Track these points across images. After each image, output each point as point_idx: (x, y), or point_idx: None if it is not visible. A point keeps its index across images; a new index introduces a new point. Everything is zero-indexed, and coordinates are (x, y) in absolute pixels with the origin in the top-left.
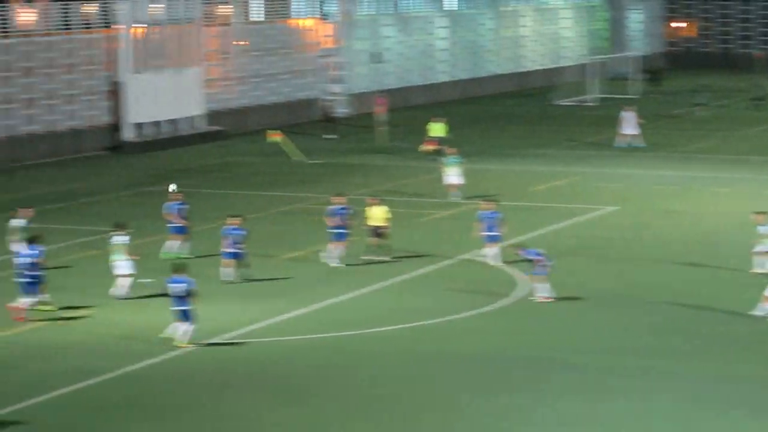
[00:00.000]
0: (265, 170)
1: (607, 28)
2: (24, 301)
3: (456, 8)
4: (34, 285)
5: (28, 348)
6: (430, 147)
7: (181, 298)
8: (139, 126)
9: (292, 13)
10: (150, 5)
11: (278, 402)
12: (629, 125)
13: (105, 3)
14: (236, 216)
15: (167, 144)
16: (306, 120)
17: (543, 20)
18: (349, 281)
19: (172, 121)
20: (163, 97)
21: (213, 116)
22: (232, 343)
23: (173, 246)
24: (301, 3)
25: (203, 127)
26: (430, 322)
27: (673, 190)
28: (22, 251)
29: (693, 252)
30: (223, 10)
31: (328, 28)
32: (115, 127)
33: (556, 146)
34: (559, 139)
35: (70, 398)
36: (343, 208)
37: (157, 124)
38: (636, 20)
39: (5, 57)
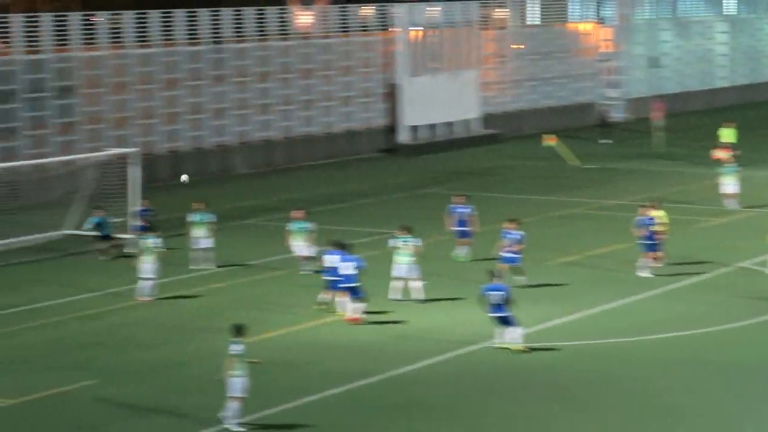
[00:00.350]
0: (539, 174)
1: None
2: (342, 302)
3: (736, 13)
4: (355, 291)
5: (310, 347)
6: (722, 153)
7: (499, 306)
8: (413, 128)
9: (570, 17)
10: (427, 8)
11: (553, 408)
12: None
13: (382, 6)
14: (513, 220)
15: (441, 147)
16: (581, 124)
17: None
18: (622, 287)
19: (447, 124)
20: (439, 100)
21: (488, 119)
22: (505, 348)
23: (463, 250)
24: (578, 7)
25: (478, 130)
26: (705, 330)
27: None
28: (336, 256)
29: None
30: (500, 13)
31: (605, 32)
32: (390, 130)
33: None
34: None
35: (342, 398)
36: (651, 219)
37: (431, 126)
38: None
39: (284, 59)
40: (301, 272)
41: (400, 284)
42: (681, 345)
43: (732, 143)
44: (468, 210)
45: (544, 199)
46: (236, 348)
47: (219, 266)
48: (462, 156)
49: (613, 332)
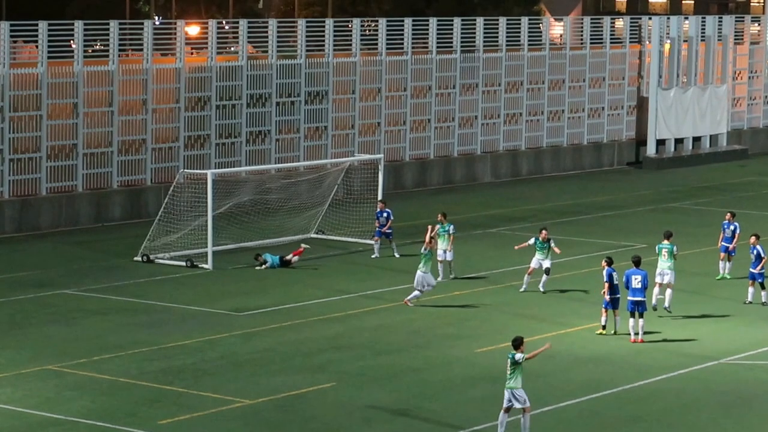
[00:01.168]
0: None
1: None
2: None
3: None
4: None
5: (550, 357)
6: None
7: None
8: (660, 142)
9: None
10: (680, 22)
11: None
12: None
13: (635, 18)
14: (754, 235)
15: (687, 161)
16: None
17: None
18: None
19: (694, 138)
20: (688, 114)
21: (735, 135)
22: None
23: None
24: None
25: (724, 145)
26: None
27: None
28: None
29: None
30: (754, 28)
31: None
32: (636, 143)
33: None
34: None
35: (577, 410)
36: None
37: (678, 140)
38: None
39: (535, 69)
40: (541, 290)
41: (656, 290)
42: None
43: None
44: (733, 227)
45: None
46: (518, 357)
47: (455, 277)
48: (709, 171)
49: None
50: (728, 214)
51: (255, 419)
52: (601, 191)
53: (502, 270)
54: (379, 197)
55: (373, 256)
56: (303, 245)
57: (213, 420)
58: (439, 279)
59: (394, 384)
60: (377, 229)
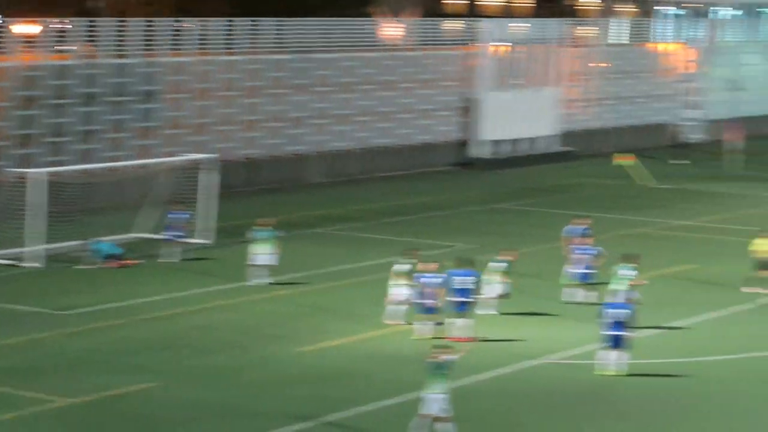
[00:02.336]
0: (613, 193)
1: None
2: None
3: None
4: (464, 306)
5: (369, 357)
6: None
7: (618, 324)
8: (490, 143)
9: (655, 37)
10: (513, 24)
11: (611, 424)
12: None
13: (471, 21)
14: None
15: (518, 162)
16: (655, 144)
17: None
18: (686, 308)
19: (525, 140)
20: (518, 116)
21: (566, 137)
22: (571, 364)
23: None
24: (670, 27)
25: (555, 147)
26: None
27: None
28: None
29: None
30: (584, 31)
31: (689, 53)
32: (466, 144)
33: None
34: None
35: (396, 409)
36: None
37: (509, 142)
38: None
39: (367, 70)
40: None
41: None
42: (744, 367)
43: None
44: (588, 230)
45: (614, 218)
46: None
47: (272, 283)
48: (538, 172)
49: (676, 352)
50: (582, 219)
51: (75, 419)
52: (430, 191)
53: (326, 270)
54: (210, 197)
55: (170, 259)
56: (140, 262)
57: (31, 420)
58: (255, 281)
59: (220, 383)
60: (172, 232)
